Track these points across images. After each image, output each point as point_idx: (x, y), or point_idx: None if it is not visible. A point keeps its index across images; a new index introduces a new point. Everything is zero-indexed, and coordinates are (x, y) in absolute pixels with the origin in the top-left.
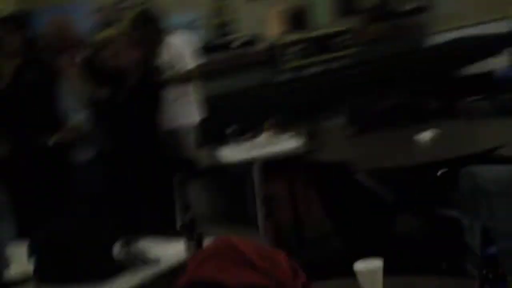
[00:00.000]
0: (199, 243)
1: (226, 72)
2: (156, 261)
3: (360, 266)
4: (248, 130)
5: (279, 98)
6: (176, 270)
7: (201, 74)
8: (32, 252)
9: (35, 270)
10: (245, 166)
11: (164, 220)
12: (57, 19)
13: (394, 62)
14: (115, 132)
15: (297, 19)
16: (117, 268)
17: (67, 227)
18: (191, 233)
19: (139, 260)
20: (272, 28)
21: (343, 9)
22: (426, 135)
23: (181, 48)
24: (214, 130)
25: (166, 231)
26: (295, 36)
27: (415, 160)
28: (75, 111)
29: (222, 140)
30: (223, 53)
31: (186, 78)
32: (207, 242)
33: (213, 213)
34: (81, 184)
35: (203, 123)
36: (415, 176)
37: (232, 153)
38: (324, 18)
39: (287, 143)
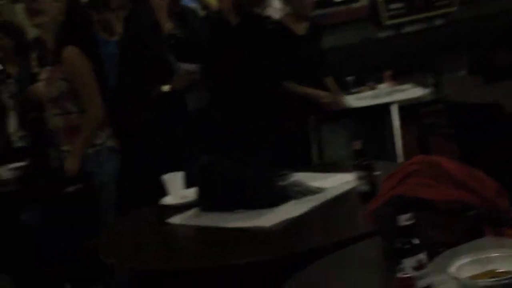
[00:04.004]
0: (369, 171)
1: (329, 27)
2: (319, 190)
3: None
4: (364, 80)
5: (383, 54)
6: (344, 198)
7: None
8: (191, 182)
9: (198, 198)
10: (377, 111)
11: (301, 159)
12: None
13: (498, 20)
14: (223, 76)
15: None
16: (282, 197)
17: (226, 159)
18: (361, 161)
19: (301, 190)
20: None
21: None
22: None
23: None
24: None
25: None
26: None
27: None
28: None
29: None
30: (327, 9)
31: None
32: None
33: (347, 154)
34: (200, 130)
35: None
36: None
37: (357, 100)
38: None
39: (412, 92)
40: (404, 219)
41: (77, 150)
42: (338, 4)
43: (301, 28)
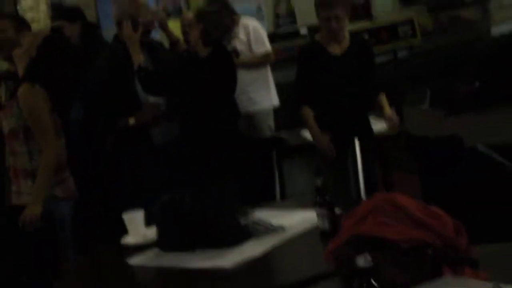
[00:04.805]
0: (330, 209)
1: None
2: (281, 229)
3: None
4: None
5: None
6: (305, 237)
7: (275, 59)
8: (152, 220)
9: (158, 238)
10: (339, 145)
11: (263, 194)
12: None
13: (460, 51)
14: (190, 110)
15: (359, 8)
16: (243, 235)
17: (187, 197)
18: (322, 199)
19: (263, 228)
20: None
21: None
22: None
23: (257, 31)
24: (293, 114)
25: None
26: (358, 25)
27: None
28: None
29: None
30: (291, 41)
31: (263, 61)
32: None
33: (310, 190)
34: (164, 165)
35: (281, 108)
36: None
37: None
38: (386, 8)
39: (374, 125)
40: (362, 260)
41: (36, 195)
42: (305, 36)
43: (337, 48)
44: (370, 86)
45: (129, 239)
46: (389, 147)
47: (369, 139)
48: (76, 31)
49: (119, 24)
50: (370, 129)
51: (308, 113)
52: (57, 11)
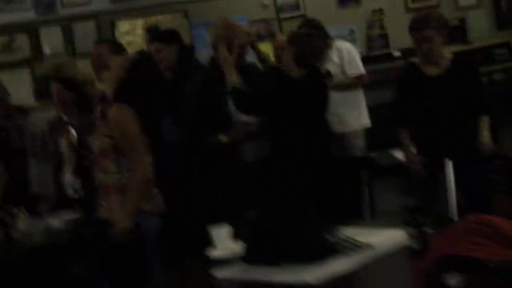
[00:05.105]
0: (420, 228)
1: (388, 82)
2: (369, 246)
3: None
4: None
5: None
6: (394, 255)
7: (368, 82)
8: (239, 235)
9: (245, 252)
10: (431, 166)
11: (353, 213)
12: (225, 19)
13: None
14: (281, 129)
15: (455, 31)
16: (329, 252)
17: (274, 213)
18: (412, 218)
19: (350, 246)
20: None
21: (500, 22)
22: None
23: (350, 53)
24: (384, 135)
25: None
26: (454, 48)
27: None
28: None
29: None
30: (384, 64)
31: (356, 83)
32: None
33: (402, 211)
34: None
35: (372, 129)
36: None
37: None
38: (482, 31)
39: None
40: (454, 280)
41: (126, 210)
42: (397, 59)
43: (434, 69)
44: (471, 107)
45: (216, 253)
46: (487, 169)
47: (467, 160)
48: (172, 53)
49: (215, 47)
50: (471, 150)
51: (404, 134)
52: (154, 35)
